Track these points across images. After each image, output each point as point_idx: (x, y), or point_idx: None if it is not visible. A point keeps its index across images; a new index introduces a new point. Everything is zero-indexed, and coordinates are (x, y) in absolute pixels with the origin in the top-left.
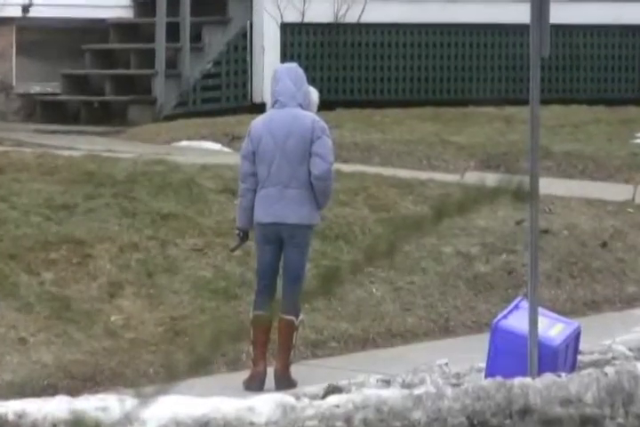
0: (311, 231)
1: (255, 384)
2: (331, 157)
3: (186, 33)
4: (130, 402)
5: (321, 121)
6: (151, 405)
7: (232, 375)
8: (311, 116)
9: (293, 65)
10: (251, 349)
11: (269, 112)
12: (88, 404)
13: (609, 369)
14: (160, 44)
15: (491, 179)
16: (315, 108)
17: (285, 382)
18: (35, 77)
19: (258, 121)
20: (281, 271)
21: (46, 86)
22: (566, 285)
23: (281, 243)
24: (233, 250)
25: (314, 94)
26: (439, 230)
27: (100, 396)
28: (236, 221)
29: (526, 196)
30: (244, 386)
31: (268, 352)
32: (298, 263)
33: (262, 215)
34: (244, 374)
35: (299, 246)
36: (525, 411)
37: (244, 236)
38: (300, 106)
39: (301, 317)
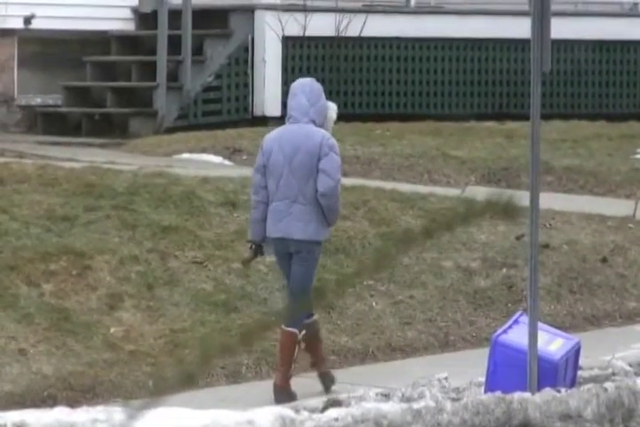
0: (318, 247)
1: (280, 397)
2: (337, 175)
3: (187, 46)
4: (120, 415)
5: (331, 138)
6: (141, 417)
7: (231, 388)
8: (321, 133)
9: (309, 80)
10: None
11: (282, 127)
12: (87, 415)
13: (609, 385)
14: (161, 57)
15: (481, 194)
16: (331, 123)
17: (285, 395)
18: (36, 89)
19: (270, 135)
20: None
21: (47, 98)
22: (566, 300)
23: (290, 256)
24: (244, 263)
25: (332, 110)
26: (439, 245)
27: (99, 408)
28: (247, 233)
29: (516, 211)
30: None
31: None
32: (303, 277)
33: (271, 230)
34: (244, 387)
35: (305, 261)
36: (525, 426)
37: (256, 248)
38: (314, 122)
39: (304, 331)
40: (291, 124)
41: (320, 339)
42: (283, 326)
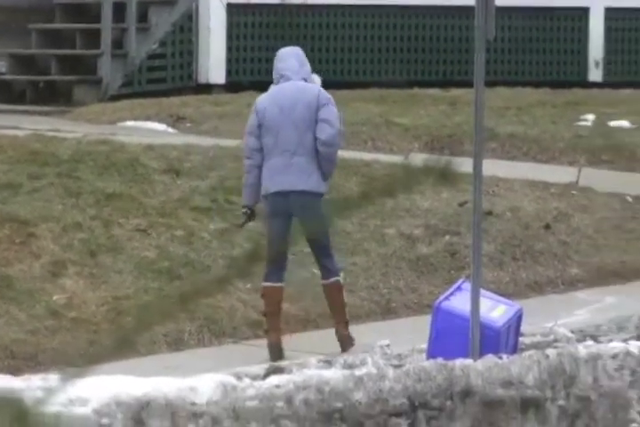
0: (320, 201)
1: (273, 355)
2: (337, 124)
3: (132, 13)
4: (54, 381)
5: (325, 92)
6: (76, 383)
7: (173, 355)
8: (316, 86)
9: (296, 48)
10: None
11: (274, 87)
12: (29, 383)
13: (550, 351)
14: (106, 24)
15: (418, 159)
16: None
17: (350, 341)
18: None
19: (262, 96)
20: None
21: None
22: (509, 267)
23: (289, 214)
24: (241, 226)
25: (316, 79)
26: (382, 212)
27: (41, 375)
28: (242, 198)
29: (454, 176)
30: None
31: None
32: (320, 232)
33: (270, 185)
34: (186, 354)
35: (314, 216)
36: (466, 392)
37: (251, 213)
38: (304, 80)
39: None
40: (284, 82)
41: (342, 299)
42: (323, 280)
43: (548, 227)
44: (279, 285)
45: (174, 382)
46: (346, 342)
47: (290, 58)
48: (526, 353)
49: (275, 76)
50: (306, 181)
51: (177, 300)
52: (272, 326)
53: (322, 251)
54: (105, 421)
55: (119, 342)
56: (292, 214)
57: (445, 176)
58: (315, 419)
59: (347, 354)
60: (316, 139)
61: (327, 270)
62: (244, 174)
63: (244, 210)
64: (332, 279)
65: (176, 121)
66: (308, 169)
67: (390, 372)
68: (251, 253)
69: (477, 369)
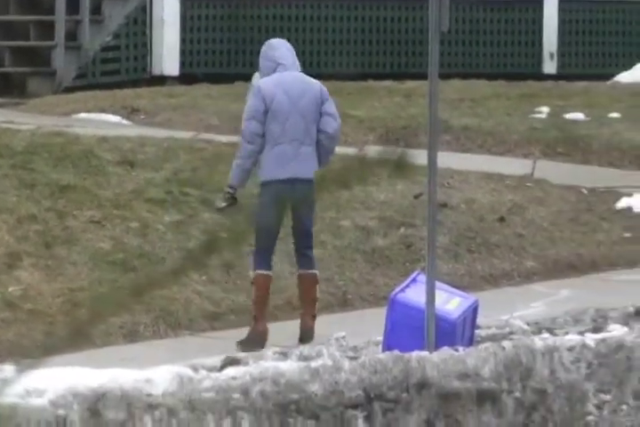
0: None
1: (258, 343)
2: (339, 118)
3: (86, 5)
4: (10, 372)
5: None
6: (31, 375)
7: (129, 347)
8: (316, 81)
9: (284, 40)
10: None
11: (276, 74)
12: None
13: (506, 343)
14: (60, 16)
15: (372, 151)
16: None
17: (312, 334)
18: None
19: (266, 82)
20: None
21: None
22: (464, 259)
23: (287, 201)
24: (222, 208)
25: None
26: (338, 204)
27: None
28: (230, 179)
29: (408, 167)
30: (239, 348)
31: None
32: (310, 221)
33: (279, 172)
34: (142, 346)
35: (311, 204)
36: (422, 385)
37: (233, 194)
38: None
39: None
40: (282, 71)
41: (316, 292)
42: (301, 270)
43: (502, 219)
44: (269, 273)
45: (130, 373)
46: (309, 335)
47: (282, 47)
48: (482, 345)
49: (266, 63)
50: (309, 169)
51: (132, 291)
52: (261, 314)
53: (308, 240)
54: (61, 412)
55: (74, 333)
56: (288, 202)
57: (400, 168)
58: (271, 411)
59: (302, 346)
60: (318, 131)
61: (308, 260)
62: (240, 159)
63: (231, 190)
64: (311, 271)
65: (130, 113)
66: (312, 158)
67: (346, 364)
68: (206, 244)
69: (433, 361)
